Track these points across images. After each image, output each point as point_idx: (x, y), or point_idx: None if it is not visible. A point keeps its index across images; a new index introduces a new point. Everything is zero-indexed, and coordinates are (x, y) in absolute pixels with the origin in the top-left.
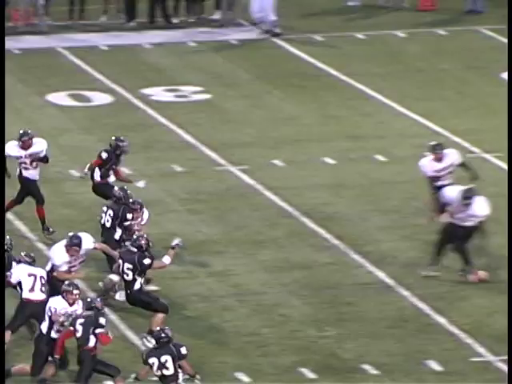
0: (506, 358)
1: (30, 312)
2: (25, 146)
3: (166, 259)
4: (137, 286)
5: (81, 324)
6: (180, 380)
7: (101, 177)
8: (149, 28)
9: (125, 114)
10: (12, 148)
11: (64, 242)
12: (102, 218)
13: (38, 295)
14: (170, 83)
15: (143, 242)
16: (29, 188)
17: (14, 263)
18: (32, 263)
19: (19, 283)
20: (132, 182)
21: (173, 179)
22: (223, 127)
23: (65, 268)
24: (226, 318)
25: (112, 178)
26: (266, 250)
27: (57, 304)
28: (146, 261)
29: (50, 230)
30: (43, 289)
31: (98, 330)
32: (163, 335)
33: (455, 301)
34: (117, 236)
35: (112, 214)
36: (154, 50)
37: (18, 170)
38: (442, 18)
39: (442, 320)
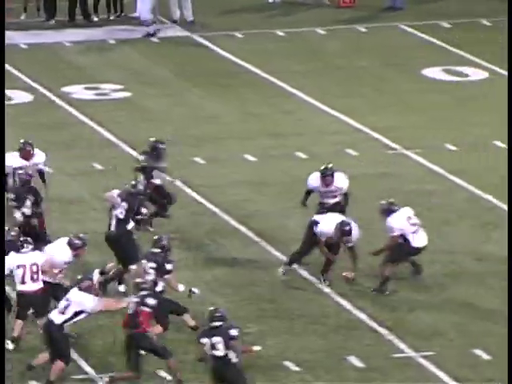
0: (427, 353)
1: (27, 303)
2: (27, 155)
3: (181, 287)
4: (158, 288)
5: (133, 303)
6: (233, 360)
7: (146, 180)
8: (69, 26)
9: (45, 113)
10: (13, 159)
11: (66, 241)
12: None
13: (31, 286)
14: (90, 81)
15: (165, 242)
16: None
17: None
18: (23, 250)
19: (11, 273)
20: None
21: (93, 177)
22: (144, 125)
23: (59, 266)
24: None
25: (158, 181)
26: (187, 247)
27: (85, 301)
28: (169, 266)
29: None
30: (35, 277)
31: (142, 308)
32: (217, 314)
33: (376, 297)
34: (129, 227)
35: (127, 207)
36: (74, 48)
37: (12, 181)
38: (361, 15)
39: (362, 316)
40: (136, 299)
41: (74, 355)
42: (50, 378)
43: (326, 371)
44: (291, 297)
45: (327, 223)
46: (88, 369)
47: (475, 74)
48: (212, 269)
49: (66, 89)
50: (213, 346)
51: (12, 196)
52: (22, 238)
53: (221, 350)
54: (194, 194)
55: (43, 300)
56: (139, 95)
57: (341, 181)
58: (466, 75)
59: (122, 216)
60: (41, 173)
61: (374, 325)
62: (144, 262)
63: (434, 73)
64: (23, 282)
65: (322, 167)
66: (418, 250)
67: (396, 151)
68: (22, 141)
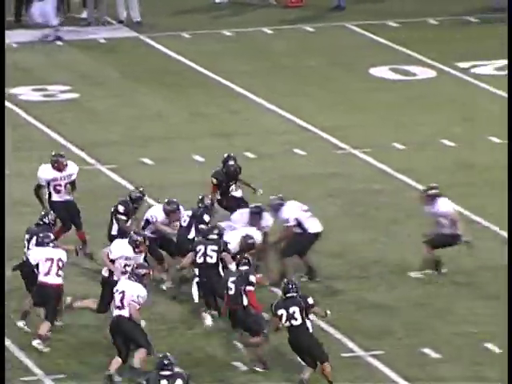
0: (376, 352)
1: (44, 296)
2: (60, 167)
3: (233, 266)
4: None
5: (233, 282)
6: (310, 330)
7: (221, 195)
8: (15, 27)
9: None
10: (46, 171)
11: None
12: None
13: (53, 279)
14: (37, 83)
15: (220, 229)
16: (63, 211)
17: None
18: (49, 244)
19: (37, 265)
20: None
21: None
22: (91, 126)
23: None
24: (101, 316)
25: (238, 193)
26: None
27: (139, 291)
28: (230, 245)
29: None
30: (60, 272)
31: (247, 288)
32: (291, 287)
33: (324, 296)
34: (190, 235)
35: (191, 214)
36: (21, 49)
37: (48, 193)
38: (308, 15)
39: (311, 316)
40: (234, 278)
41: (23, 357)
42: (134, 365)
43: (274, 371)
44: None
45: (231, 240)
46: (36, 370)
47: (423, 73)
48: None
49: (13, 90)
50: (291, 316)
51: (122, 209)
52: (41, 234)
53: (299, 319)
54: None
55: (59, 296)
56: (87, 96)
57: (268, 219)
58: (414, 74)
59: (184, 224)
60: (72, 183)
61: (323, 324)
62: (200, 247)
63: (382, 72)
64: (47, 274)
65: (253, 205)
66: (316, 236)
67: (344, 151)
68: (53, 153)
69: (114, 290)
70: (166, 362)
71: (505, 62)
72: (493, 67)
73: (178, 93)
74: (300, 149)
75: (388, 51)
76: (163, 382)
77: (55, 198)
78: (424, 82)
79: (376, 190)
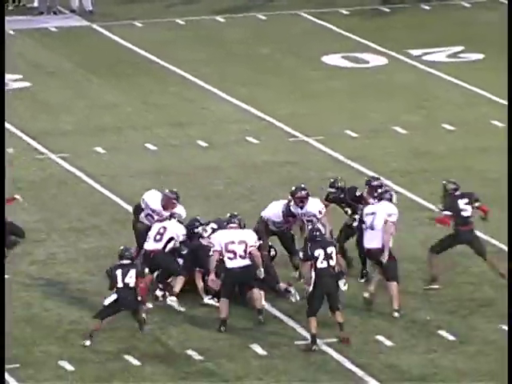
0: (329, 340)
1: (149, 261)
2: (167, 205)
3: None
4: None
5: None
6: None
7: None
8: None
9: None
10: (155, 200)
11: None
12: None
13: (153, 245)
14: None
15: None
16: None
17: None
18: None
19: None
20: None
21: None
22: (43, 115)
23: None
24: (49, 306)
25: None
26: (88, 237)
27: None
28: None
29: None
30: (158, 237)
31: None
32: (316, 233)
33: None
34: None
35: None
36: None
37: (135, 217)
38: (261, 3)
39: (265, 303)
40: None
41: None
42: (258, 307)
43: (229, 359)
44: (191, 287)
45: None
46: None
47: (375, 61)
48: (113, 259)
49: None
50: (329, 256)
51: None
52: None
53: (334, 260)
54: (95, 184)
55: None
56: (39, 85)
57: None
58: (366, 62)
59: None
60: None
61: (277, 312)
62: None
63: (334, 59)
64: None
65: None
66: None
67: (297, 139)
68: (168, 190)
69: (231, 241)
70: (126, 253)
71: (456, 48)
72: (445, 54)
73: (130, 82)
74: (253, 137)
75: (340, 39)
76: (118, 272)
77: (145, 221)
78: (376, 70)
79: (329, 177)
